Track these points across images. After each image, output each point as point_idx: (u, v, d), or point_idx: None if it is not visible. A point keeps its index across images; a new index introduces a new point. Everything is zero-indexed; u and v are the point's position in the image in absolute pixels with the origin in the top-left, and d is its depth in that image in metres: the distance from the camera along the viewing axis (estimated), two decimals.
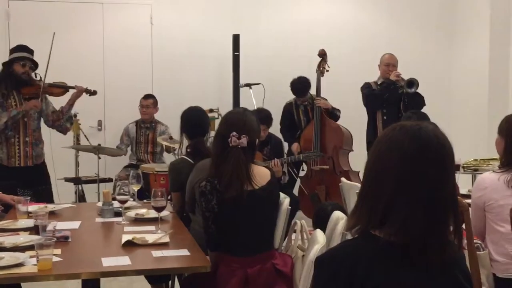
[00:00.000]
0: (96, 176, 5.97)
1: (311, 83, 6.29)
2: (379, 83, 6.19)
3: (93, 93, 5.50)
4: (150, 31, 7.10)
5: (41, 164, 5.14)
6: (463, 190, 4.23)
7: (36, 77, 5.10)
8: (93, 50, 6.97)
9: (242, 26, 7.06)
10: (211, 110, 6.37)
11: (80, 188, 6.10)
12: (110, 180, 6.33)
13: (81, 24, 6.97)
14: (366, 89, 6.17)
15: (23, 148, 4.94)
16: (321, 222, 3.30)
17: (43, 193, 4.93)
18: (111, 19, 7.01)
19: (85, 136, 5.99)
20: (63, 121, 5.20)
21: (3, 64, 5.02)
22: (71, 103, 5.26)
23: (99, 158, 5.97)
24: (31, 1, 6.79)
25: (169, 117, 6.21)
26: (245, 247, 2.86)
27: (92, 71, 6.90)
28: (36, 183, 4.94)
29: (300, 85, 6.24)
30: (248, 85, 6.69)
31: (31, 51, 5.04)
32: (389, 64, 6.17)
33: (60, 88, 5.22)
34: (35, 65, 5.06)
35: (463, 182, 4.75)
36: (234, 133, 2.82)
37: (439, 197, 1.44)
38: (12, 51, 5.09)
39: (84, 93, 5.39)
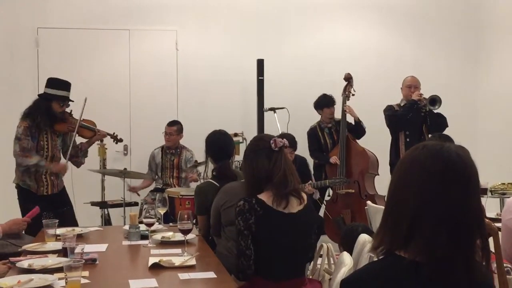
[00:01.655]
0: (122, 200, 6.01)
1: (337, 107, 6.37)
2: (401, 105, 6.18)
3: (119, 140, 5.79)
4: (176, 56, 7.20)
5: (62, 189, 5.28)
6: (491, 214, 4.17)
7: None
8: (120, 75, 7.07)
9: (267, 51, 7.12)
10: (235, 134, 6.39)
11: (106, 212, 6.14)
12: (135, 204, 6.36)
13: (108, 50, 7.10)
14: (389, 110, 6.17)
15: (50, 178, 5.07)
16: (350, 243, 3.27)
17: (66, 214, 5.01)
18: (137, 45, 7.12)
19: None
20: (80, 158, 5.35)
21: (41, 96, 5.10)
22: (91, 144, 5.47)
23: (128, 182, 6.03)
24: (59, 29, 6.92)
25: (195, 142, 6.23)
26: (280, 268, 2.85)
27: (118, 96, 7.01)
28: (59, 206, 5.03)
29: (327, 96, 6.43)
30: (273, 109, 6.72)
31: (69, 86, 5.12)
32: (411, 85, 6.16)
33: (90, 131, 5.39)
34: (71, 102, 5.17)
35: (490, 206, 4.69)
36: (274, 138, 2.94)
37: (463, 216, 1.42)
38: (52, 85, 5.07)
39: (110, 138, 5.67)
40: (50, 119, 5.01)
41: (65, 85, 5.09)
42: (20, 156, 4.91)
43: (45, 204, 4.87)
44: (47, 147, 5.04)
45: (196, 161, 6.21)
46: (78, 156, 5.33)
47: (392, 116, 6.12)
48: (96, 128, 5.43)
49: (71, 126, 5.17)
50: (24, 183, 5.01)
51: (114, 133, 5.69)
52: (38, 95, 5.19)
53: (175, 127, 6.53)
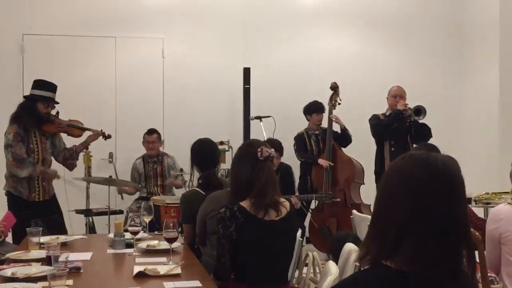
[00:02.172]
0: (106, 208, 5.98)
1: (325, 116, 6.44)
2: (387, 114, 6.22)
3: (108, 136, 5.75)
4: (162, 64, 7.19)
5: (53, 196, 5.23)
6: None
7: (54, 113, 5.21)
8: (106, 82, 7.05)
9: (253, 60, 7.13)
10: (221, 143, 6.38)
11: (90, 220, 6.10)
12: (120, 212, 6.33)
13: (94, 57, 7.07)
14: (374, 120, 6.22)
15: (41, 183, 5.05)
16: (340, 251, 3.26)
17: (56, 222, 4.98)
18: (123, 53, 7.10)
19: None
20: (74, 160, 5.33)
21: (26, 97, 5.09)
22: (86, 145, 5.46)
23: (116, 191, 6.00)
24: (45, 35, 6.89)
25: (181, 150, 6.19)
26: (262, 276, 2.85)
27: (104, 103, 6.98)
28: (49, 213, 5.00)
29: (317, 103, 6.50)
30: (259, 117, 6.73)
31: (55, 88, 5.11)
32: (396, 95, 6.21)
33: (79, 130, 5.35)
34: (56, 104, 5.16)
35: None
36: (262, 147, 2.91)
37: (449, 225, 1.42)
38: (38, 86, 5.09)
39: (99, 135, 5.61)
40: (35, 119, 5.00)
41: (51, 87, 5.09)
42: (14, 167, 4.89)
43: (35, 211, 4.85)
44: (37, 150, 5.01)
45: (181, 169, 6.20)
46: (73, 159, 5.32)
47: (377, 125, 6.16)
48: (83, 125, 5.42)
49: (59, 126, 5.17)
50: (15, 189, 4.98)
51: (101, 130, 5.64)
52: (24, 96, 5.18)
53: (155, 135, 6.52)
